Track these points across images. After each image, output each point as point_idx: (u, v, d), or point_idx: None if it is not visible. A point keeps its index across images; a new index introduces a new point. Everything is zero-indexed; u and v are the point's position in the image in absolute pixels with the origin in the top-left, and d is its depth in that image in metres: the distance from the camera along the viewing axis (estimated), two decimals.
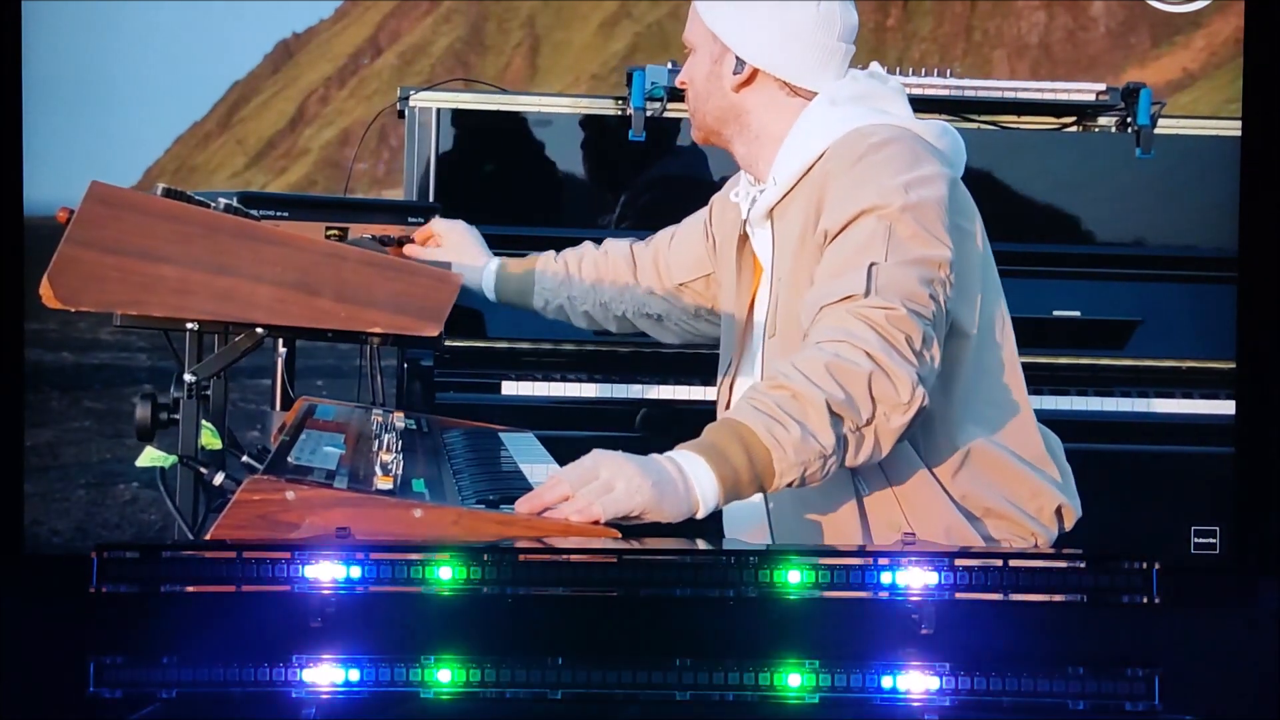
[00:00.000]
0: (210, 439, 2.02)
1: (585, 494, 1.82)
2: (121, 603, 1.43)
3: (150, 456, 1.95)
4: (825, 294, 2.09)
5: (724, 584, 1.54)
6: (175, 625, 1.46)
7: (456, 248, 2.90)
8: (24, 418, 1.75)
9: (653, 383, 3.56)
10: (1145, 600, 1.51)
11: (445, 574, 1.49)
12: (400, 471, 1.89)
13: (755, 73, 2.34)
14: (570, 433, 3.40)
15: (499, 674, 1.51)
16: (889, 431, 1.99)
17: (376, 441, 2.07)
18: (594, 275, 2.84)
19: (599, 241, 2.89)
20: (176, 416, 1.98)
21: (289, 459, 1.95)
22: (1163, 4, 3.09)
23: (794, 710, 1.52)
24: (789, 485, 1.93)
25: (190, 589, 1.45)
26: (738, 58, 2.35)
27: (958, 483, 2.21)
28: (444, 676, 1.50)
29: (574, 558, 1.52)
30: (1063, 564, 1.55)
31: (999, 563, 1.53)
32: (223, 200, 2.08)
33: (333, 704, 1.48)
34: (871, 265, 2.06)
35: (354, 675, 1.49)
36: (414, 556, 1.50)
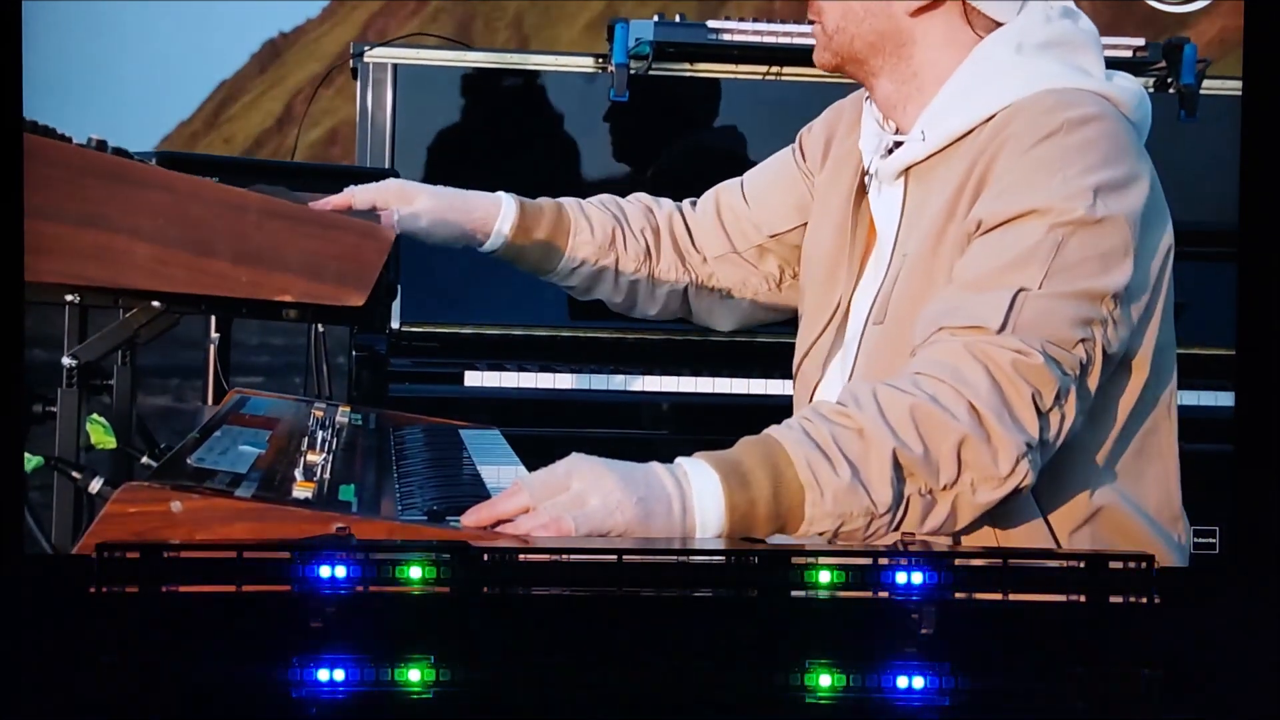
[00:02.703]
0: (103, 437, 1.79)
1: (551, 508, 1.56)
2: (121, 603, 1.43)
3: None
4: (950, 310, 1.71)
5: (724, 584, 1.54)
6: (175, 625, 1.45)
7: (436, 206, 2.17)
8: (24, 416, 1.72)
9: (636, 373, 3.31)
10: (1145, 600, 1.51)
11: (446, 574, 1.49)
12: (328, 476, 1.67)
13: None
14: (543, 430, 3.20)
15: (499, 674, 1.51)
16: (971, 505, 1.66)
17: (306, 439, 1.83)
18: (646, 233, 2.27)
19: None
20: (54, 409, 1.71)
21: (189, 460, 1.65)
22: (1162, 4, 3.09)
23: (794, 710, 1.52)
24: (819, 535, 1.62)
25: (190, 589, 1.45)
26: None
27: (1074, 542, 1.83)
28: (444, 676, 1.50)
29: (574, 558, 1.52)
30: (1062, 564, 1.55)
31: (999, 562, 1.53)
32: (94, 138, 1.75)
33: (333, 704, 1.48)
34: (1019, 292, 1.68)
35: (354, 675, 1.49)
36: (415, 556, 1.49)
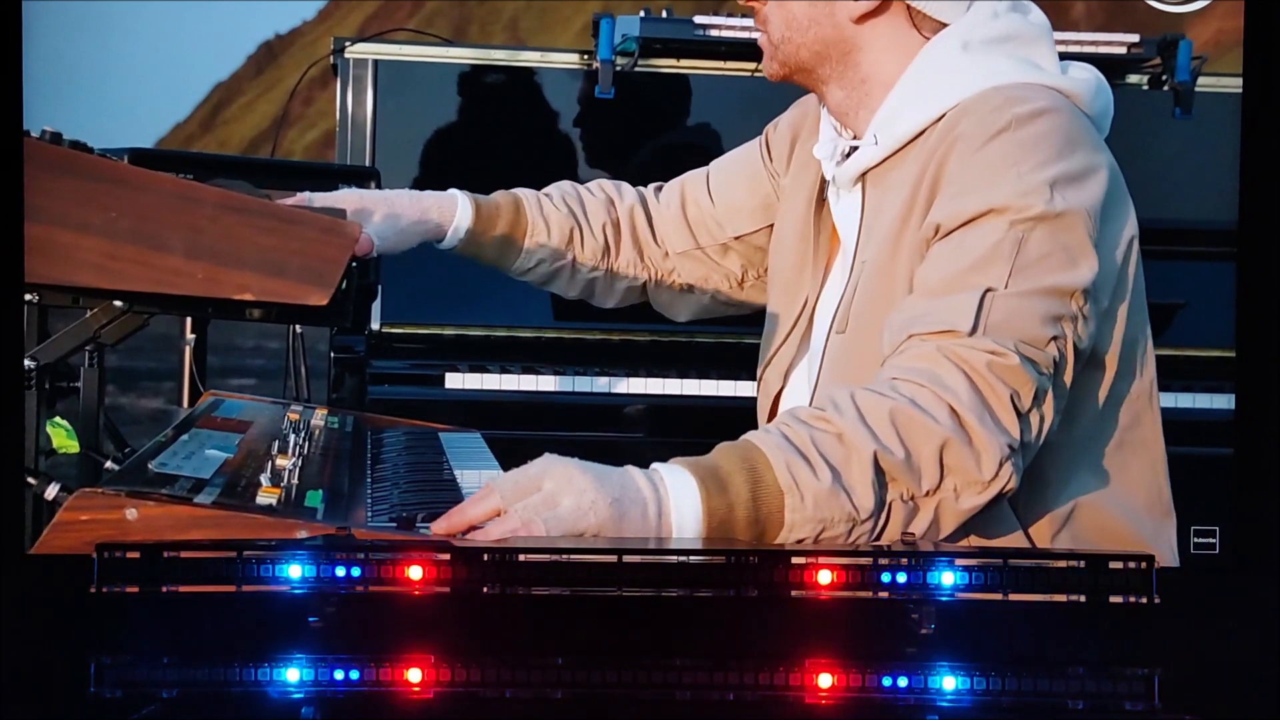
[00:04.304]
0: (65, 441, 1.75)
1: (522, 510, 1.52)
2: (121, 603, 1.42)
3: None
4: (918, 317, 1.67)
5: (724, 584, 1.54)
6: (175, 625, 1.45)
7: (393, 217, 2.11)
8: (24, 415, 1.71)
9: (621, 375, 3.24)
10: (1145, 600, 1.51)
11: (446, 574, 1.49)
12: (296, 482, 1.63)
13: None
14: (526, 433, 3.11)
15: (499, 674, 1.51)
16: (954, 511, 1.63)
17: (277, 443, 1.79)
18: (606, 229, 2.25)
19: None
20: None
21: (150, 465, 1.60)
22: (1162, 4, 3.08)
23: (794, 710, 1.52)
24: (799, 542, 1.58)
25: (190, 589, 1.45)
26: None
27: (1055, 545, 1.80)
28: (444, 676, 1.50)
29: (574, 558, 1.52)
30: (1062, 564, 1.55)
31: (999, 562, 1.53)
32: (48, 130, 1.67)
33: (332, 704, 1.48)
34: (986, 292, 1.64)
35: (353, 675, 1.49)
36: (414, 555, 1.49)
